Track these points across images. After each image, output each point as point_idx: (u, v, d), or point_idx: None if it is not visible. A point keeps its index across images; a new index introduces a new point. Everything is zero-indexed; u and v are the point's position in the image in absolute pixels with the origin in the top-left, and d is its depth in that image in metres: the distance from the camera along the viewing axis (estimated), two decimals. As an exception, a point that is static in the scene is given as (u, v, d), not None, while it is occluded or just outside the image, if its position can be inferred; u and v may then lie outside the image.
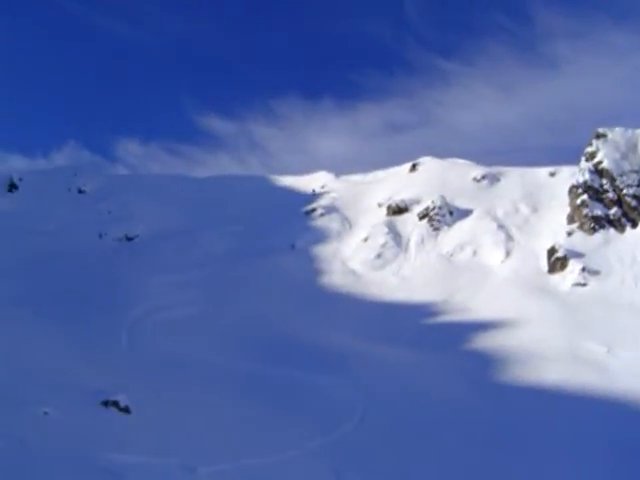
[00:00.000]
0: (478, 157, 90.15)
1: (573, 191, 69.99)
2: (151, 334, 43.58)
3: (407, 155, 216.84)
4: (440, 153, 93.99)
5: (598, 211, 66.75)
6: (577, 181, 70.08)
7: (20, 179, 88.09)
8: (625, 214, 66.40)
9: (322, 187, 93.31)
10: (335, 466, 25.51)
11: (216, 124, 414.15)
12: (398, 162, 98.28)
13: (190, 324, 47.15)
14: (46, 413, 19.34)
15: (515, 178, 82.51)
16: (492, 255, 66.57)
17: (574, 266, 60.00)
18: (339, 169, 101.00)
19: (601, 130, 71.75)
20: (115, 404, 23.90)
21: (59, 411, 19.83)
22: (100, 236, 73.57)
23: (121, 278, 57.15)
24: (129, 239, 73.76)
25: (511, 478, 26.61)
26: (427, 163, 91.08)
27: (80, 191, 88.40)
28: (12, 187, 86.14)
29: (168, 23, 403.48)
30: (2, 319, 37.41)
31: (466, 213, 74.96)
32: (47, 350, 31.45)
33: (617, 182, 68.13)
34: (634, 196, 66.82)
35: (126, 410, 23.98)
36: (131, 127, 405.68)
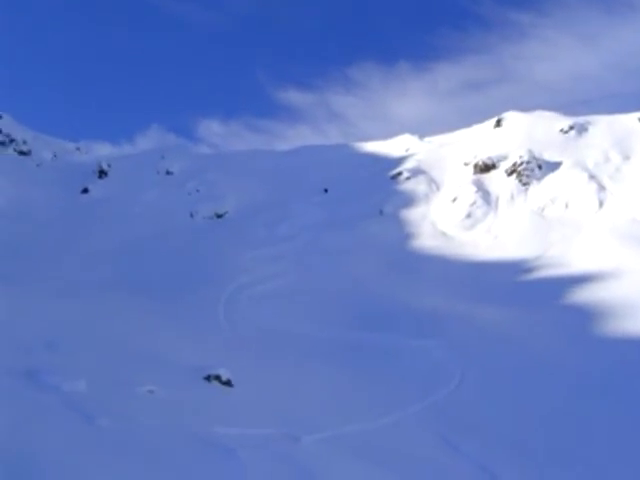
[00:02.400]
0: (563, 108, 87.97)
1: (666, 135, 67.86)
2: (247, 308, 44.19)
3: (489, 112, 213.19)
4: (523, 108, 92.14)
5: (694, 153, 64.58)
6: (670, 124, 67.89)
7: (109, 165, 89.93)
8: None
9: (406, 150, 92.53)
10: (438, 429, 25.49)
11: (294, 97, 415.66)
12: (481, 120, 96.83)
13: (284, 296, 47.61)
14: (151, 391, 19.77)
15: (603, 126, 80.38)
16: (585, 207, 65.14)
17: (671, 212, 58.29)
18: (421, 131, 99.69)
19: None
20: (217, 378, 24.28)
21: (163, 389, 20.27)
22: (191, 215, 74.72)
23: (214, 255, 58.00)
24: (219, 216, 74.73)
25: (619, 433, 26.10)
26: (512, 118, 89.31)
27: (168, 172, 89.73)
28: (102, 173, 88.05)
29: (237, 4, 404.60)
30: (102, 302, 38.40)
31: (555, 166, 73.42)
32: (147, 330, 32.18)
33: None
34: None
35: (228, 384, 24.35)
36: (211, 107, 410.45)
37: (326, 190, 77.49)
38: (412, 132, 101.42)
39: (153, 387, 20.07)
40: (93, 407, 16.25)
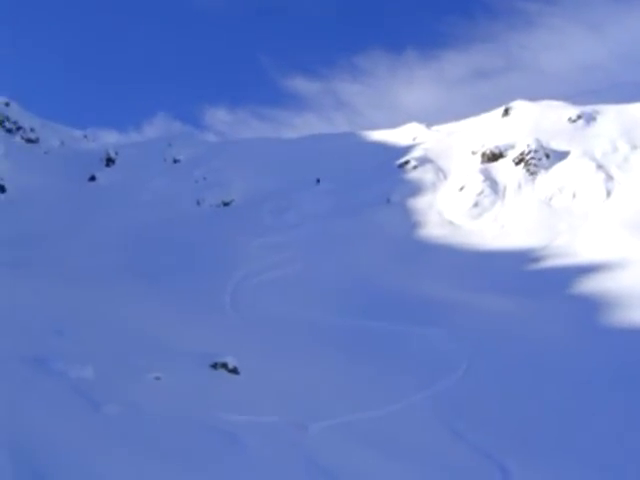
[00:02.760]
0: (571, 98, 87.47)
1: (674, 124, 67.57)
2: (254, 295, 44.24)
3: (496, 101, 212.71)
4: (531, 97, 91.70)
5: (702, 143, 64.31)
6: (678, 114, 67.59)
7: (116, 153, 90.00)
8: None
9: (414, 139, 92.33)
10: (444, 417, 25.54)
11: (301, 85, 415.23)
12: (488, 108, 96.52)
13: (291, 283, 47.66)
14: (157, 378, 19.85)
15: (612, 116, 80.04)
16: (592, 197, 64.98)
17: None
18: (428, 120, 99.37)
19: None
20: (224, 366, 24.33)
21: (170, 376, 20.35)
22: (198, 203, 74.78)
23: (221, 243, 58.05)
24: (226, 204, 74.76)
25: (625, 424, 26.11)
26: (520, 107, 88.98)
27: (175, 160, 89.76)
28: (109, 161, 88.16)
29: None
30: (109, 289, 38.52)
31: (563, 155, 73.20)
32: (154, 317, 32.28)
33: None
34: None
35: (235, 371, 24.42)
36: (218, 95, 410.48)
37: (318, 180, 77.29)
38: (419, 121, 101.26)
39: (160, 374, 20.15)
40: (100, 394, 16.34)
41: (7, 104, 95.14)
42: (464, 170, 75.66)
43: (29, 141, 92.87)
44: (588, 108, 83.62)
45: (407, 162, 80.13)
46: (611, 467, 22.11)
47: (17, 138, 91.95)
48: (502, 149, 76.88)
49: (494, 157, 76.27)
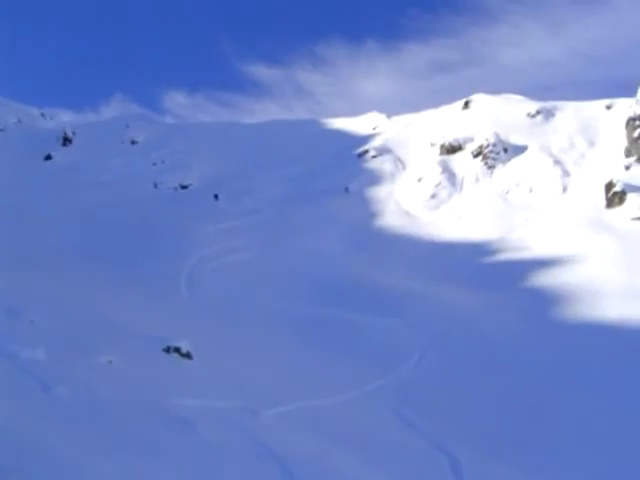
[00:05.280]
0: (530, 94, 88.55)
1: (630, 124, 68.48)
2: (209, 280, 44.06)
3: (456, 94, 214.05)
4: (489, 91, 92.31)
5: (657, 143, 65.27)
6: (634, 113, 68.46)
7: (73, 133, 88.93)
8: (685, 145, 64.84)
9: (374, 128, 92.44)
10: (396, 406, 25.69)
11: (261, 72, 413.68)
12: (448, 101, 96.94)
13: (247, 269, 47.54)
14: (110, 362, 19.69)
15: (570, 112, 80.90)
16: (549, 192, 65.66)
17: (633, 200, 58.87)
18: (388, 111, 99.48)
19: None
20: (177, 350, 24.20)
21: (123, 359, 20.19)
22: (155, 185, 74.10)
23: (178, 226, 57.65)
24: (184, 187, 74.21)
25: (573, 415, 26.53)
26: (480, 100, 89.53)
27: (133, 142, 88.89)
28: (66, 141, 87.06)
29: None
30: (63, 270, 38.10)
31: (521, 149, 73.85)
32: (107, 299, 32.00)
33: (676, 112, 66.41)
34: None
35: (188, 356, 24.31)
36: (177, 78, 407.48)
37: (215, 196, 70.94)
38: (379, 111, 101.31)
39: (112, 357, 19.98)
40: (51, 376, 16.14)
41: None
42: (423, 161, 76.03)
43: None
44: (548, 104, 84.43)
45: (366, 151, 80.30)
46: (563, 460, 22.45)
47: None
48: (461, 142, 77.35)
49: (453, 149, 76.72)
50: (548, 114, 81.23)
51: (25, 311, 23.23)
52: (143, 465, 12.31)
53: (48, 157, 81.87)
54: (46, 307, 25.57)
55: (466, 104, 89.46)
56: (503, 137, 75.63)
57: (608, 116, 77.13)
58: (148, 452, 13.06)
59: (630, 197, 59.16)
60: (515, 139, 75.99)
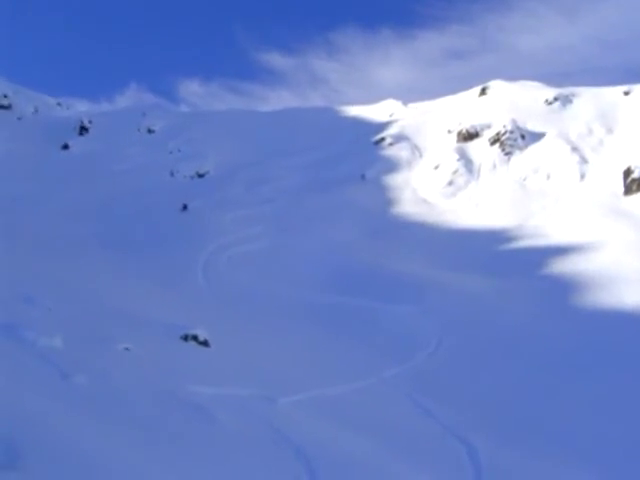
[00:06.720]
0: (547, 80, 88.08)
1: (649, 109, 67.90)
2: (226, 269, 44.15)
3: (471, 81, 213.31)
4: (506, 78, 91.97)
5: (676, 128, 64.72)
6: (653, 98, 67.92)
7: (90, 122, 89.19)
8: None
9: (390, 115, 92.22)
10: (412, 394, 25.64)
11: (276, 60, 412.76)
12: (463, 88, 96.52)
13: (263, 257, 47.59)
14: (127, 349, 19.71)
15: (588, 98, 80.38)
16: (566, 179, 65.29)
17: (652, 186, 58.46)
18: (403, 99, 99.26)
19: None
20: (194, 338, 24.22)
21: (140, 347, 20.21)
22: (172, 174, 74.21)
23: (194, 215, 57.76)
24: (200, 176, 74.28)
25: (590, 403, 26.38)
26: (497, 86, 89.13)
27: (150, 131, 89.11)
28: (83, 130, 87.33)
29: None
30: (80, 258, 38.23)
31: (538, 136, 73.46)
32: (125, 287, 32.11)
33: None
34: None
35: (205, 344, 24.32)
36: (191, 67, 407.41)
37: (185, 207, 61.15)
38: (395, 99, 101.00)
39: (129, 345, 20.00)
40: (69, 363, 16.17)
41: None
42: (440, 148, 75.77)
43: (2, 107, 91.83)
44: (565, 90, 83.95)
45: (383, 139, 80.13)
46: (579, 449, 22.33)
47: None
48: (478, 128, 77.04)
49: (470, 136, 76.43)
50: (565, 100, 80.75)
51: (42, 299, 23.28)
52: (160, 451, 12.34)
53: (65, 146, 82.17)
54: (63, 295, 25.65)
55: (483, 91, 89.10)
56: (520, 124, 75.24)
57: (626, 102, 76.59)
58: (165, 438, 13.08)
59: (649, 183, 58.75)
60: (532, 126, 75.59)
